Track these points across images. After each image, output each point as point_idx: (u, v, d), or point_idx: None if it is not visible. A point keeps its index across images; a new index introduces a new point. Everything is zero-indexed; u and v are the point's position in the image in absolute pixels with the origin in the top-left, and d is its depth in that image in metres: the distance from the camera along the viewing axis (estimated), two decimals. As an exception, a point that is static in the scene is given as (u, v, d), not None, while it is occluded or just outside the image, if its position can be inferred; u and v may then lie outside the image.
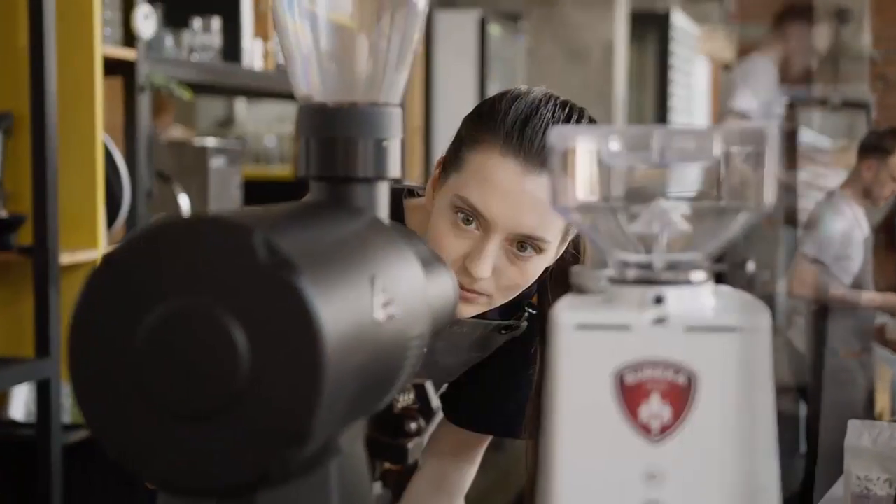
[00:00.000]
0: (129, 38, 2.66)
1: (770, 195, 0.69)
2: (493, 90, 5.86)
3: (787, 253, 4.51)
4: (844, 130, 8.02)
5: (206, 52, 3.00)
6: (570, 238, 1.33)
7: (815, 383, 3.98)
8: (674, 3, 6.93)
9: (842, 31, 9.12)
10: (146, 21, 2.65)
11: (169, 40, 2.93)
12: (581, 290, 0.78)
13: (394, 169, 0.80)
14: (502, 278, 1.26)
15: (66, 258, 2.42)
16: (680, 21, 7.24)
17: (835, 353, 4.27)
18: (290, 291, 0.60)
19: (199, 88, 3.16)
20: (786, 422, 4.22)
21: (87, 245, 2.50)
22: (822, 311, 4.31)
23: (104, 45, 2.56)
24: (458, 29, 5.48)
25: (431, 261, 0.85)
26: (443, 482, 1.56)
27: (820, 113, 6.07)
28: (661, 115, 7.18)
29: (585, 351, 0.68)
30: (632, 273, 0.70)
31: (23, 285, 2.44)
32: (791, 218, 4.43)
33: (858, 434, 1.95)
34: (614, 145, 0.69)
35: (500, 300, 1.29)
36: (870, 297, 4.33)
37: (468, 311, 1.28)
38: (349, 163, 0.78)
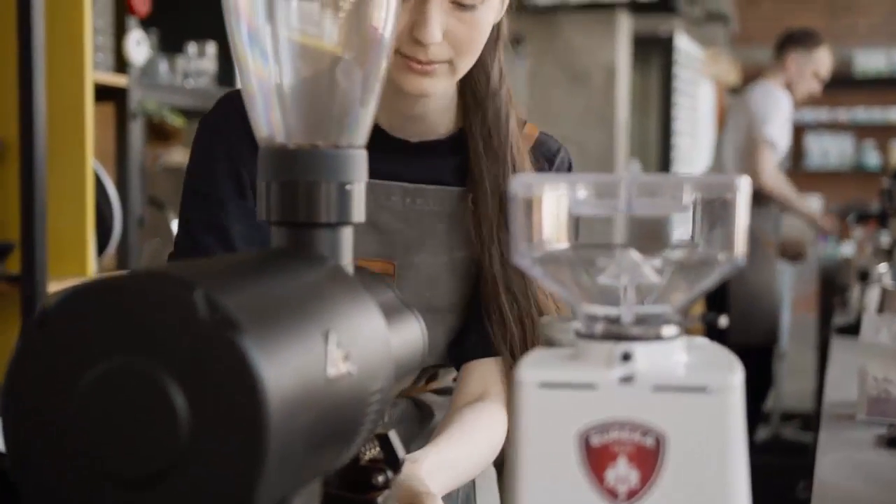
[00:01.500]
0: (122, 65, 2.64)
1: (742, 247, 0.66)
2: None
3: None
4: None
5: (200, 78, 2.97)
6: None
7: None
8: (678, 27, 6.91)
9: None
10: (138, 47, 2.63)
11: (163, 65, 2.91)
12: (549, 343, 0.75)
13: (358, 214, 0.77)
14: (455, 38, 1.22)
15: (54, 287, 2.39)
16: (683, 44, 7.22)
17: (757, 242, 4.35)
18: (231, 350, 0.57)
19: (195, 113, 3.14)
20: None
21: (77, 273, 2.47)
22: (756, 198, 4.41)
23: (96, 72, 2.54)
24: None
25: (397, 307, 0.82)
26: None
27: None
28: (665, 137, 7.16)
29: (549, 410, 0.65)
30: (599, 327, 0.67)
31: (10, 314, 2.41)
32: None
33: (875, 329, 1.79)
34: (581, 194, 0.66)
35: (464, 65, 1.25)
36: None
37: (433, 85, 1.24)
38: (311, 208, 0.75)
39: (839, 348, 2.74)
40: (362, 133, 0.78)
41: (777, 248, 4.66)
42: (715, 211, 0.66)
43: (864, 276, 3.23)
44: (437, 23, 1.19)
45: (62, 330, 0.59)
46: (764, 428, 5.36)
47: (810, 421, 4.76)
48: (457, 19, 1.21)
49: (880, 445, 1.67)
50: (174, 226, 2.90)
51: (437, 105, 1.33)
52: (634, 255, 0.67)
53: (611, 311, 0.67)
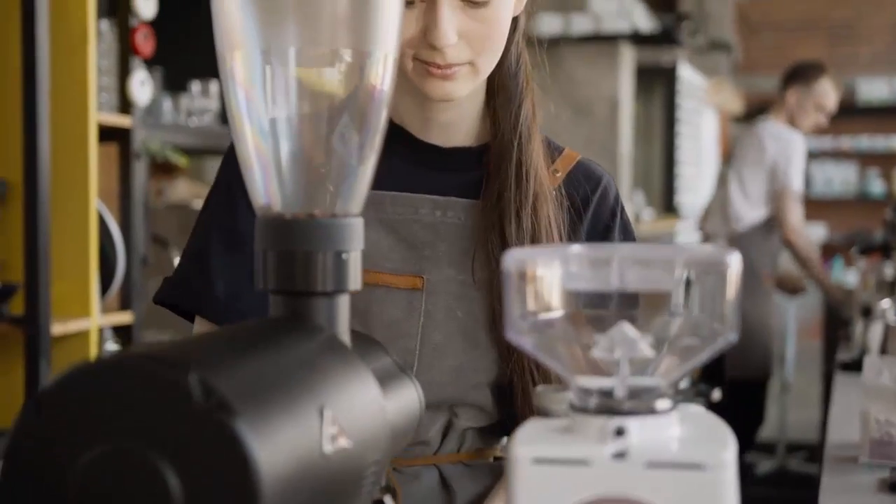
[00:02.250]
0: (126, 105, 2.66)
1: (734, 323, 0.66)
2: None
3: None
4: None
5: (204, 116, 2.99)
6: None
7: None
8: (680, 56, 6.94)
9: None
10: (142, 87, 2.64)
11: (167, 104, 2.93)
12: (543, 413, 0.75)
13: (354, 282, 0.77)
14: (471, 38, 1.16)
15: (58, 328, 2.40)
16: (686, 73, 7.24)
17: (755, 276, 4.35)
18: (226, 435, 0.57)
19: (198, 151, 3.15)
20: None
21: (80, 314, 2.48)
22: (749, 233, 4.41)
23: (100, 113, 2.55)
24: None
25: (392, 373, 0.83)
26: None
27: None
28: (668, 167, 7.17)
29: (544, 486, 0.65)
30: (593, 401, 0.67)
31: (14, 356, 2.42)
32: None
33: (877, 371, 1.76)
34: (573, 268, 0.67)
35: (486, 64, 1.19)
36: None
37: (457, 88, 1.19)
38: (308, 277, 0.75)
39: (842, 385, 2.74)
40: (358, 201, 0.79)
41: (774, 282, 4.66)
42: (707, 285, 0.67)
43: (868, 312, 3.22)
44: (451, 24, 1.15)
45: (58, 413, 0.59)
46: (769, 460, 5.34)
47: (816, 452, 4.75)
48: (470, 17, 1.16)
49: (883, 490, 1.66)
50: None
51: (466, 110, 1.28)
52: (628, 329, 0.67)
53: (604, 383, 0.68)
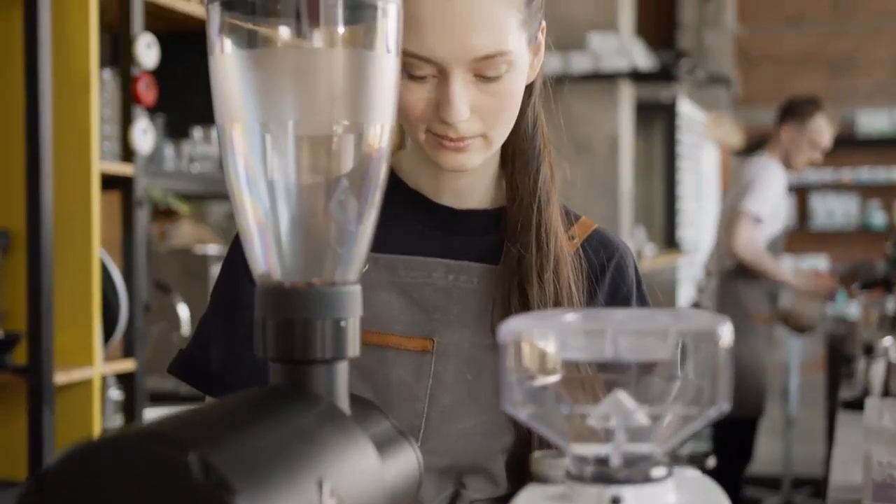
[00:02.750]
0: (128, 153, 2.68)
1: (727, 392, 0.67)
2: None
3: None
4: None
5: (205, 162, 3.01)
6: (538, 32, 1.22)
7: None
8: (680, 92, 6.97)
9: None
10: (144, 136, 2.67)
11: (169, 150, 2.95)
12: (541, 479, 0.76)
13: (353, 348, 0.78)
14: (483, 112, 1.15)
15: (60, 377, 2.40)
16: (686, 109, 7.28)
17: (746, 315, 4.34)
18: (226, 513, 0.58)
19: (200, 197, 3.17)
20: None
21: (83, 363, 2.49)
22: (737, 271, 4.41)
23: (103, 162, 2.57)
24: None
25: (391, 437, 0.83)
26: None
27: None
28: (670, 202, 7.19)
29: (540, 556, 0.65)
30: (589, 469, 0.68)
31: (17, 405, 2.42)
32: None
33: (878, 413, 1.74)
34: (568, 338, 0.68)
35: (499, 135, 1.19)
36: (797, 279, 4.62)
37: (469, 159, 1.18)
38: (307, 345, 0.76)
39: (845, 425, 2.73)
40: (356, 267, 0.80)
41: (775, 319, 4.66)
42: (699, 355, 0.67)
43: (870, 350, 3.22)
44: (463, 100, 1.14)
45: (59, 491, 0.60)
46: (774, 495, 5.33)
47: (821, 487, 4.73)
48: (482, 92, 1.15)
49: (886, 534, 1.66)
50: (180, 309, 2.92)
51: (480, 175, 1.27)
52: (623, 397, 0.68)
53: (600, 450, 0.69)
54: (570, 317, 0.71)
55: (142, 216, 2.68)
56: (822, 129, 4.49)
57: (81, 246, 2.47)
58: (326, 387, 0.77)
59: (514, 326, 0.69)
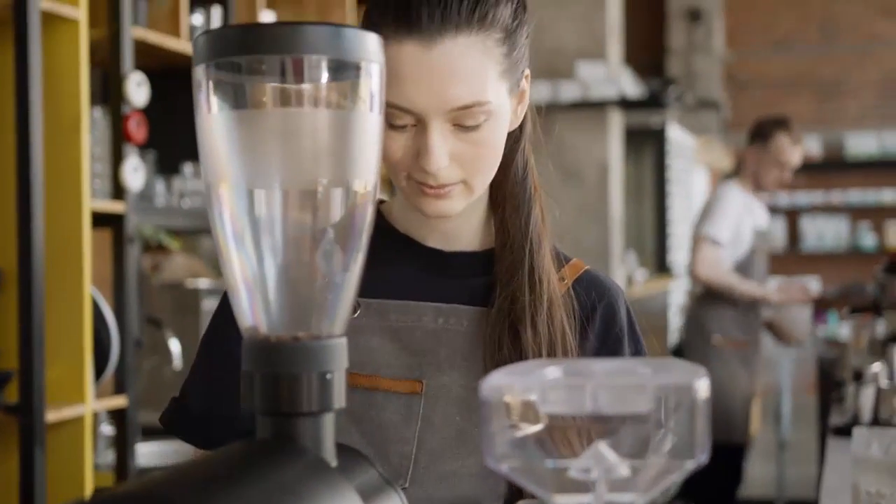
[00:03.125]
0: (119, 191, 2.69)
1: (705, 445, 0.68)
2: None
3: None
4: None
5: (196, 197, 3.03)
6: (522, 80, 1.23)
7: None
8: (670, 117, 7.01)
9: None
10: (135, 174, 2.68)
11: (160, 186, 2.96)
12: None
13: (339, 400, 0.80)
14: (463, 160, 1.17)
15: (52, 415, 2.41)
16: (676, 134, 7.32)
17: (709, 340, 4.37)
18: (213, 574, 0.59)
19: (191, 232, 3.19)
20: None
21: (75, 400, 2.49)
22: (704, 295, 4.41)
23: (93, 200, 2.58)
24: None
25: (378, 486, 0.85)
26: None
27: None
28: (660, 226, 7.21)
29: None
30: (571, 522, 0.69)
31: (8, 444, 2.42)
32: None
33: (866, 442, 1.74)
34: (549, 396, 0.69)
35: (480, 182, 1.20)
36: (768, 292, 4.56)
37: (451, 206, 1.20)
38: (293, 398, 0.78)
39: (834, 451, 2.75)
40: (341, 321, 0.81)
41: (752, 342, 4.60)
42: (677, 408, 0.69)
43: (859, 376, 3.24)
44: (442, 150, 1.15)
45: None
46: (769, 520, 5.34)
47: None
48: (461, 140, 1.16)
49: (874, 565, 1.67)
50: (172, 344, 2.93)
51: (468, 218, 1.28)
52: (604, 448, 0.70)
53: (582, 500, 0.70)
54: (552, 370, 0.73)
55: (132, 253, 2.69)
56: (785, 148, 4.47)
57: (73, 284, 2.48)
58: (313, 439, 0.78)
59: (495, 382, 0.70)
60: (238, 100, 0.81)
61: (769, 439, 5.79)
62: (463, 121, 1.15)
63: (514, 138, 1.26)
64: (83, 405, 2.49)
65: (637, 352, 1.32)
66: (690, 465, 0.70)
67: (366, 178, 0.81)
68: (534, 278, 1.25)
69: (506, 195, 1.29)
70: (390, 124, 1.16)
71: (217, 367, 1.28)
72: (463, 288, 1.28)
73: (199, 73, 0.80)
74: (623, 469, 0.69)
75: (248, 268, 0.81)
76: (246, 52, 0.79)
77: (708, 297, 4.46)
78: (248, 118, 0.81)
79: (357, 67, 0.80)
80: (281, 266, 0.80)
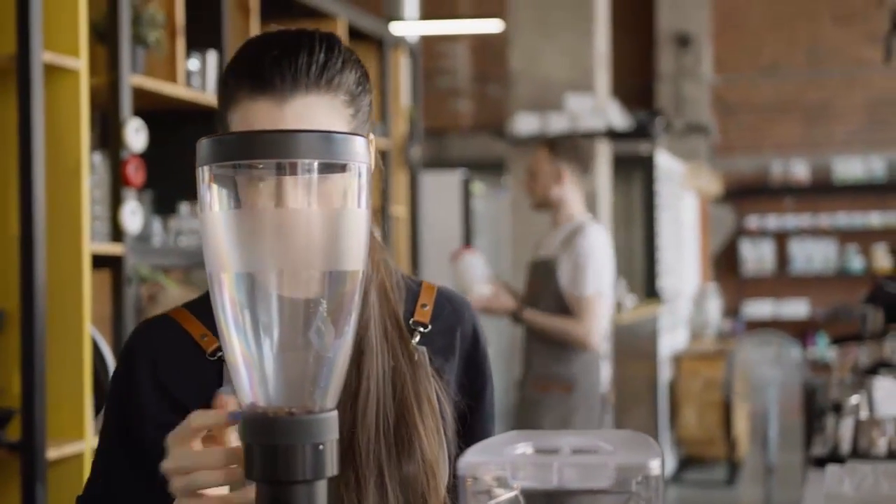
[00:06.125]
0: (118, 233, 2.77)
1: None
2: (479, 244, 6.00)
3: None
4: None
5: (192, 236, 3.11)
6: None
7: None
8: (658, 144, 7.10)
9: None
10: (133, 216, 2.76)
11: (157, 226, 3.04)
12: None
13: (331, 469, 0.88)
14: None
15: (53, 452, 2.48)
16: (664, 161, 7.40)
17: (522, 385, 3.92)
18: None
19: (188, 270, 3.26)
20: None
21: (74, 437, 2.57)
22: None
23: (93, 242, 2.66)
24: (444, 188, 5.65)
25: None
26: None
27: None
28: (649, 252, 7.28)
29: None
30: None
31: (10, 481, 2.49)
32: None
33: (839, 480, 1.79)
34: (518, 473, 0.78)
35: None
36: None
37: None
38: (289, 467, 0.87)
39: (814, 483, 2.81)
40: (333, 396, 0.90)
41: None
42: (637, 482, 0.77)
43: (838, 408, 3.30)
44: None
45: None
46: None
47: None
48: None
49: None
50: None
51: None
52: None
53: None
54: (521, 447, 0.81)
55: (131, 293, 2.77)
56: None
57: (73, 324, 2.56)
58: (307, 505, 0.86)
59: (471, 461, 0.78)
60: (237, 200, 0.90)
61: (757, 463, 5.86)
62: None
63: None
64: (83, 442, 2.57)
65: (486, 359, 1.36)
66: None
67: (355, 264, 0.90)
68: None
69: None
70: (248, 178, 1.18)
71: (126, 447, 1.28)
72: None
73: (203, 174, 0.89)
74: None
75: (246, 350, 0.89)
76: (243, 156, 0.88)
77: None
78: (245, 216, 0.90)
79: (344, 167, 0.89)
80: (277, 347, 0.89)
